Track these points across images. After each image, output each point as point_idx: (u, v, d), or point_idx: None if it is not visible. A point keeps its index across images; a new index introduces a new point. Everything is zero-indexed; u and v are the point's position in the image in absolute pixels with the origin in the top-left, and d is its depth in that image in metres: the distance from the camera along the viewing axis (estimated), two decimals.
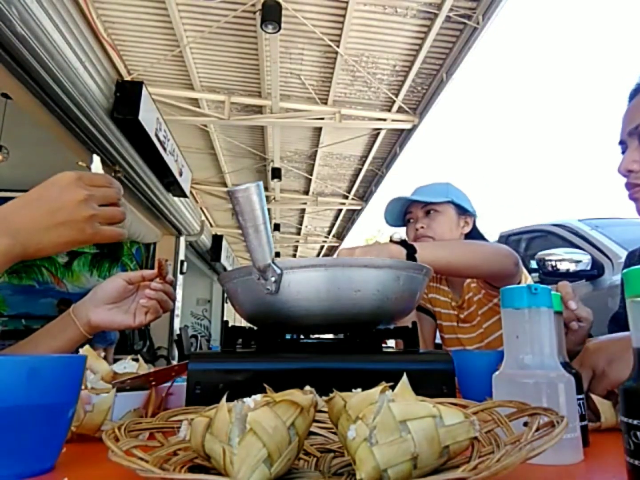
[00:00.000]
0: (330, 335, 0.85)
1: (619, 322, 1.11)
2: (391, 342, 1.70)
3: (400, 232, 1.00)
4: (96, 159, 0.73)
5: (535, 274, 3.22)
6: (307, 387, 0.39)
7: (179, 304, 7.16)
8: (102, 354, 5.11)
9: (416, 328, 0.70)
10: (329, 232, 10.36)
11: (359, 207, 8.26)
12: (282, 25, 3.66)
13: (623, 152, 0.91)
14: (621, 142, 0.92)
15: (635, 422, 0.35)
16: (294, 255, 12.24)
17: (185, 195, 6.10)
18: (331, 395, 0.38)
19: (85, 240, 0.66)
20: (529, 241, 4.02)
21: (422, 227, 1.42)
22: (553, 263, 3.04)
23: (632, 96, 0.92)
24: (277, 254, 11.47)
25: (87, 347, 0.71)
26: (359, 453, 0.32)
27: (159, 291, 0.83)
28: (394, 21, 4.02)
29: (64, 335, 0.79)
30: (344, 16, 3.91)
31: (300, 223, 9.83)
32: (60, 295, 6.90)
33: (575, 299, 0.81)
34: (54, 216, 0.63)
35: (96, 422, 0.54)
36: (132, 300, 0.84)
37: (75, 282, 7.20)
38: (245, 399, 0.35)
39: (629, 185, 0.88)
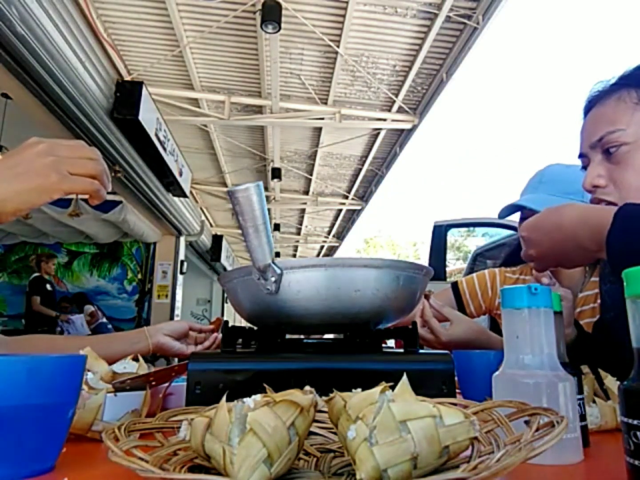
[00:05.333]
0: (330, 335, 0.85)
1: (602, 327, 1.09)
2: (391, 342, 1.69)
3: None
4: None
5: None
6: (307, 387, 0.39)
7: (178, 304, 7.18)
8: None
9: (416, 328, 0.70)
10: (329, 232, 10.35)
11: (359, 207, 8.26)
12: (282, 25, 3.66)
13: (585, 167, 0.88)
14: (582, 155, 0.88)
15: (635, 422, 0.35)
16: (294, 255, 12.24)
17: (185, 195, 6.09)
18: (331, 395, 0.37)
19: (52, 186, 0.63)
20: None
21: None
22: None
23: (587, 110, 0.90)
24: (277, 254, 11.46)
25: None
26: (359, 453, 0.32)
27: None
28: (394, 21, 4.02)
29: (136, 347, 0.99)
30: (344, 16, 3.91)
31: (300, 223, 9.82)
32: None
33: (547, 276, 0.80)
34: (13, 169, 0.62)
35: (86, 420, 0.54)
36: (188, 342, 1.13)
37: (75, 282, 7.19)
38: (245, 399, 0.35)
39: (595, 201, 0.84)
